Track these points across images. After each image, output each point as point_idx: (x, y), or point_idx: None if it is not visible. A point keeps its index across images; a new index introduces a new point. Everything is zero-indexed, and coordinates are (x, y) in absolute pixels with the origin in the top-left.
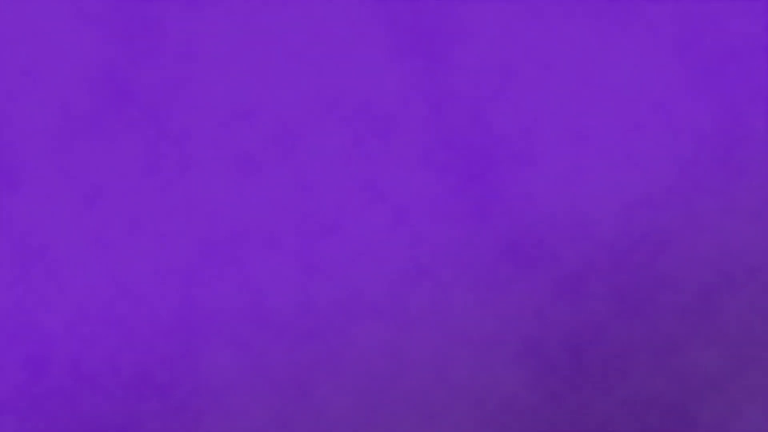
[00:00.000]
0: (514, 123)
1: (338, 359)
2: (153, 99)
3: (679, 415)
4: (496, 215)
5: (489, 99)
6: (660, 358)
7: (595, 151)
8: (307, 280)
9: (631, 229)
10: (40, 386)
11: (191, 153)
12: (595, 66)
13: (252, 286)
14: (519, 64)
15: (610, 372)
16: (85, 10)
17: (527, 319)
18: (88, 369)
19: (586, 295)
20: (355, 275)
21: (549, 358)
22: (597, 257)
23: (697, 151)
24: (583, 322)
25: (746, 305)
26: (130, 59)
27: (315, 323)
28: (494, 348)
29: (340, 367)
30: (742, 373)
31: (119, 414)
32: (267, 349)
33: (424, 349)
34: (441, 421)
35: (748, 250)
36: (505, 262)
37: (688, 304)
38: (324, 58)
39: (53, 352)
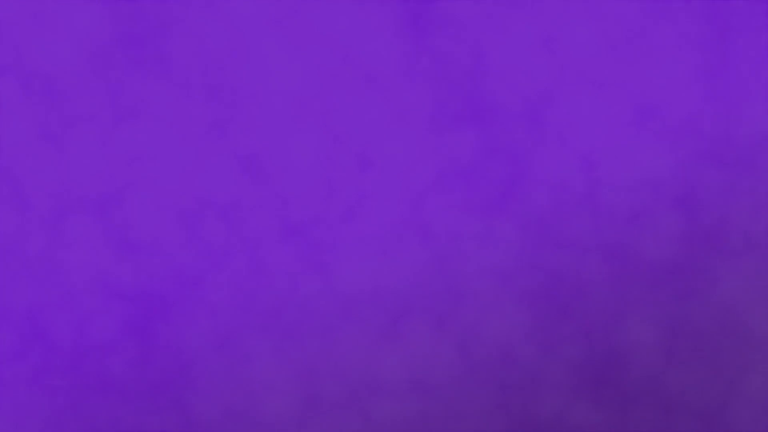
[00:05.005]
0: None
1: (339, 358)
2: (152, 92)
3: (680, 363)
4: (511, 200)
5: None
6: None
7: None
8: (309, 279)
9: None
10: (41, 383)
11: (192, 148)
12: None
13: (252, 283)
14: (529, 51)
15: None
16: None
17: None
18: (88, 367)
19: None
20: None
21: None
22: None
23: (699, 148)
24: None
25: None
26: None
27: (317, 321)
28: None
29: (341, 366)
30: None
31: (118, 414)
32: (265, 347)
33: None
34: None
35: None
36: (520, 244)
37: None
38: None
39: (56, 351)
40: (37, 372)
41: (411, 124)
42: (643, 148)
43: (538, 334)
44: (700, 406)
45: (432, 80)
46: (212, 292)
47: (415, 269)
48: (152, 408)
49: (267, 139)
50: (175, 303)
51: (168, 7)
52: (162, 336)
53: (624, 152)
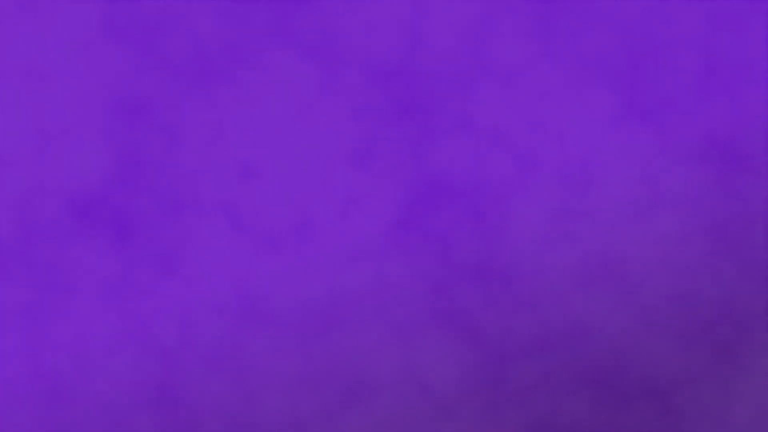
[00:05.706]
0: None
1: (339, 358)
2: (165, 112)
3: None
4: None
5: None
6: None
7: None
8: (308, 279)
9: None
10: (42, 390)
11: (191, 147)
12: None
13: (246, 288)
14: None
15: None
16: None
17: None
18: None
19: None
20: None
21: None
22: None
23: (701, 154)
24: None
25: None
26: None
27: (317, 321)
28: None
29: (341, 366)
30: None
31: (118, 413)
32: (265, 347)
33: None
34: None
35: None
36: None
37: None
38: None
39: (58, 359)
40: (37, 372)
41: (409, 124)
42: (643, 148)
43: (538, 334)
44: (700, 406)
45: (430, 80)
46: (212, 291)
47: (414, 269)
48: (152, 408)
49: (267, 139)
50: (175, 303)
51: (167, 7)
52: (162, 336)
53: (623, 152)
